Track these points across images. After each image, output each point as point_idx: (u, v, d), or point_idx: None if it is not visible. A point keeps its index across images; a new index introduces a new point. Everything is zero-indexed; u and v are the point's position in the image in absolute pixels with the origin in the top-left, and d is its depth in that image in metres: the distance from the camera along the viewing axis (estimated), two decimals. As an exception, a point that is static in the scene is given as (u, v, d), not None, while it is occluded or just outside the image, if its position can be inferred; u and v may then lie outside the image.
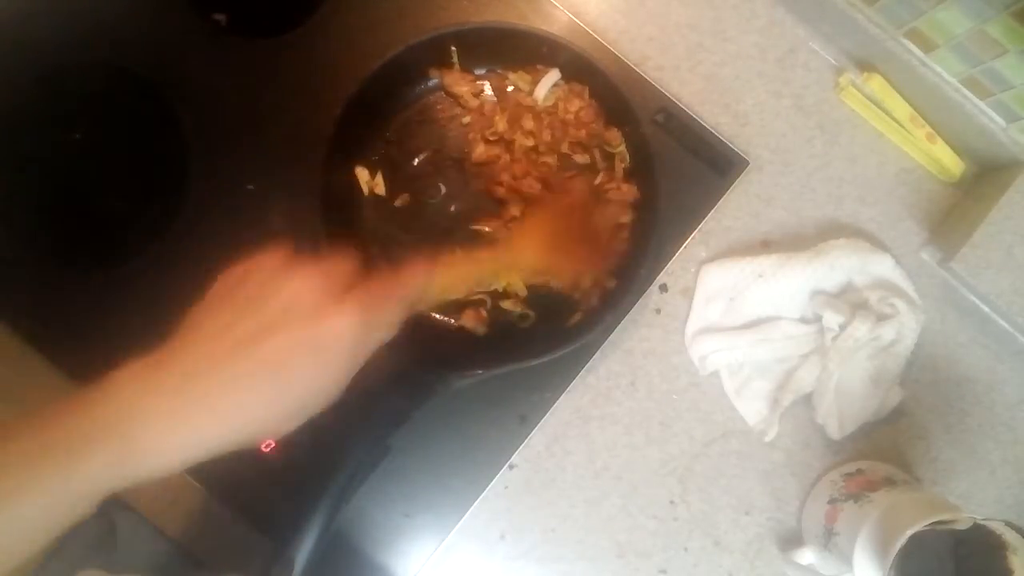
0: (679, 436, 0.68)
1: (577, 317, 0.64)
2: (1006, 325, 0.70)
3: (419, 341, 0.61)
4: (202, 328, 0.41)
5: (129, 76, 0.68)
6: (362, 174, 0.66)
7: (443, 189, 0.68)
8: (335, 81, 0.63)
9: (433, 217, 0.67)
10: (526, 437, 0.65)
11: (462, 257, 0.57)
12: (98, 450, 0.36)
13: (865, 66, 0.74)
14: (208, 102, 0.68)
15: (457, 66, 0.67)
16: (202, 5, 0.70)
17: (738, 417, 0.69)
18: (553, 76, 0.67)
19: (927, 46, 0.68)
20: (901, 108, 0.73)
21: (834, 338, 0.66)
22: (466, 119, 0.68)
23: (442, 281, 0.52)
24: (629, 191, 0.66)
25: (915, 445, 0.70)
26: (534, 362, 0.60)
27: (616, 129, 0.67)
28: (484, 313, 0.65)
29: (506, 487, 0.66)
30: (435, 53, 0.66)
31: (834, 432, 0.67)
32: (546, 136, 0.67)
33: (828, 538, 0.62)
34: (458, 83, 0.67)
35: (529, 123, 0.67)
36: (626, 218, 0.66)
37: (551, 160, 0.67)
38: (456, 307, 0.65)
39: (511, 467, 0.66)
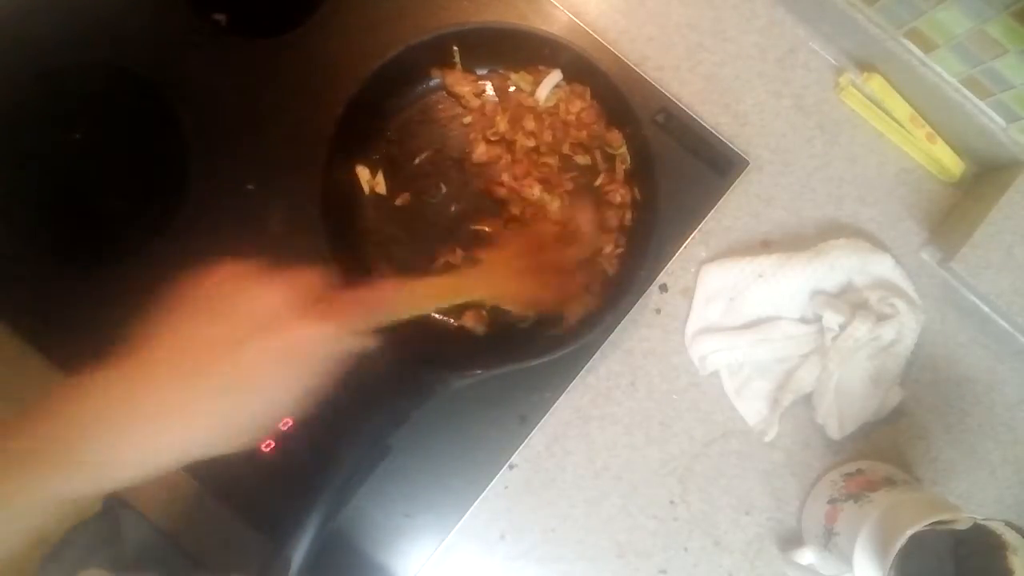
0: (679, 436, 0.68)
1: (562, 327, 0.64)
2: (1006, 325, 0.70)
3: (419, 341, 0.62)
4: (167, 337, 0.41)
5: (129, 76, 0.68)
6: (363, 173, 0.66)
7: (444, 189, 0.68)
8: (335, 81, 0.63)
9: (433, 217, 0.67)
10: (526, 437, 0.65)
11: (430, 281, 0.58)
12: (60, 463, 0.36)
13: (865, 66, 0.74)
14: (208, 102, 0.68)
15: (459, 66, 0.67)
16: (202, 5, 0.70)
17: (738, 417, 0.69)
18: (555, 77, 0.67)
19: (927, 46, 0.68)
20: (901, 108, 0.73)
21: (834, 338, 0.66)
22: (467, 119, 0.68)
23: (409, 299, 0.52)
24: (626, 193, 0.67)
25: (915, 445, 0.70)
26: (534, 362, 0.60)
27: (617, 130, 0.67)
28: (484, 313, 0.65)
29: (506, 487, 0.66)
30: (437, 53, 0.66)
31: (834, 432, 0.67)
32: (547, 137, 0.67)
33: (828, 538, 0.62)
34: (460, 83, 0.67)
35: (530, 124, 0.67)
36: (609, 247, 0.66)
37: (552, 161, 0.67)
38: (456, 307, 0.65)
39: (511, 467, 0.66)
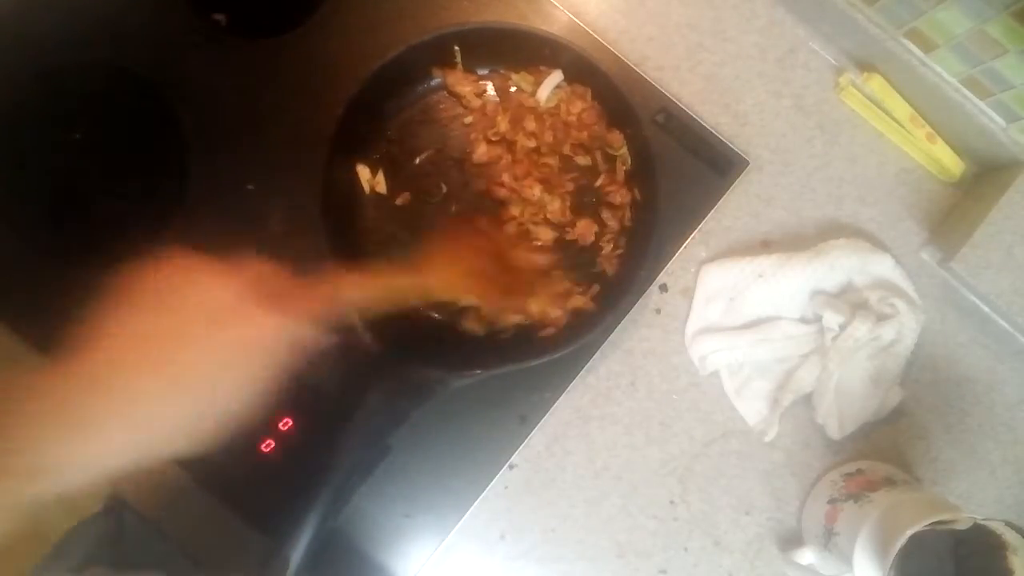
0: (679, 436, 0.68)
1: (547, 332, 0.64)
2: (1006, 325, 0.70)
3: (419, 341, 0.62)
4: (112, 336, 0.39)
5: (129, 76, 0.68)
6: (363, 172, 0.66)
7: (444, 188, 0.68)
8: (335, 81, 0.63)
9: (433, 216, 0.67)
10: (526, 437, 0.65)
11: (382, 272, 0.57)
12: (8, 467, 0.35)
13: (865, 66, 0.74)
14: (208, 102, 0.68)
15: (460, 66, 0.67)
16: (202, 5, 0.70)
17: (738, 417, 0.69)
18: (556, 77, 0.67)
19: (927, 46, 0.68)
20: (901, 108, 0.73)
21: (834, 338, 0.66)
22: (468, 119, 0.68)
23: (363, 293, 0.52)
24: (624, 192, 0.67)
25: (915, 445, 0.70)
26: (534, 362, 0.60)
27: (618, 131, 0.67)
28: (484, 314, 0.65)
29: (506, 487, 0.66)
30: (438, 53, 0.66)
31: (834, 432, 0.67)
32: (548, 137, 0.67)
33: (828, 538, 0.62)
34: (461, 83, 0.67)
35: (531, 124, 0.67)
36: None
37: (552, 161, 0.67)
38: (456, 308, 0.65)
39: (511, 467, 0.66)
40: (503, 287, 0.60)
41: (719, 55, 0.74)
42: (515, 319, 0.64)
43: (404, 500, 0.64)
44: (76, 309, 0.38)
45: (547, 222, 0.67)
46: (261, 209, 0.66)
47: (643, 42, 0.73)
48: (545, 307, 0.64)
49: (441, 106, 0.69)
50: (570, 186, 0.67)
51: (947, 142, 0.73)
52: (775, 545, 0.67)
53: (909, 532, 0.52)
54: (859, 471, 0.66)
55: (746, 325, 0.69)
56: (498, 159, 0.67)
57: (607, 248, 0.67)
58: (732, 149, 0.71)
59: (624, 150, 0.67)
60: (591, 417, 0.68)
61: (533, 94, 0.68)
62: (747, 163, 0.71)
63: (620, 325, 0.67)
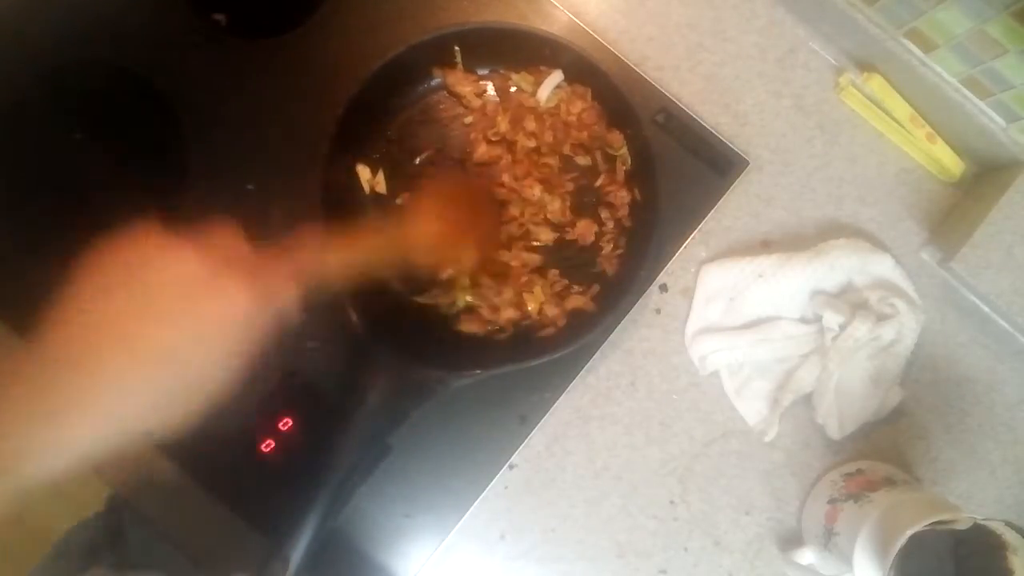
0: (679, 436, 0.68)
1: (546, 332, 0.65)
2: (1006, 325, 0.70)
3: (419, 341, 0.62)
4: (74, 317, 0.38)
5: (129, 76, 0.68)
6: (363, 172, 0.66)
7: (443, 189, 0.68)
8: (335, 81, 0.63)
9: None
10: (526, 437, 0.65)
11: (354, 231, 0.55)
12: None
13: (865, 66, 0.74)
14: (208, 102, 0.68)
15: (460, 66, 0.67)
16: (202, 5, 0.70)
17: (738, 417, 0.69)
18: (556, 77, 0.67)
19: (927, 46, 0.68)
20: (901, 108, 0.73)
21: (834, 338, 0.66)
22: (468, 119, 0.68)
23: (337, 254, 0.50)
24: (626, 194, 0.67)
25: (915, 445, 0.70)
26: (534, 362, 0.60)
27: (618, 132, 0.67)
28: (483, 314, 0.65)
29: (506, 487, 0.66)
30: (438, 53, 0.66)
31: (834, 432, 0.67)
32: (548, 137, 0.67)
33: (828, 538, 0.62)
34: (461, 83, 0.67)
35: (531, 124, 0.67)
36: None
37: (552, 161, 0.67)
38: (456, 308, 0.65)
39: (511, 467, 0.66)
40: (481, 241, 0.60)
41: (719, 55, 0.74)
42: (513, 316, 0.64)
43: (404, 500, 0.64)
44: (54, 292, 0.38)
45: (547, 222, 0.67)
46: (261, 209, 0.66)
47: (643, 42, 0.73)
48: (543, 305, 0.64)
49: (441, 106, 0.69)
50: (570, 186, 0.67)
51: (947, 142, 0.73)
52: (775, 545, 0.67)
53: (909, 532, 0.52)
54: (859, 471, 0.66)
55: (746, 325, 0.69)
56: (498, 159, 0.67)
57: (607, 248, 0.67)
58: (732, 149, 0.71)
59: (624, 150, 0.67)
60: (591, 417, 0.68)
61: (533, 94, 0.68)
62: (747, 163, 0.71)
63: (620, 325, 0.67)
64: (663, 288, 0.70)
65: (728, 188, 0.70)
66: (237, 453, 0.62)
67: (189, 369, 0.39)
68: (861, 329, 0.65)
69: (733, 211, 0.72)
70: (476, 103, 0.68)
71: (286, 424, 0.62)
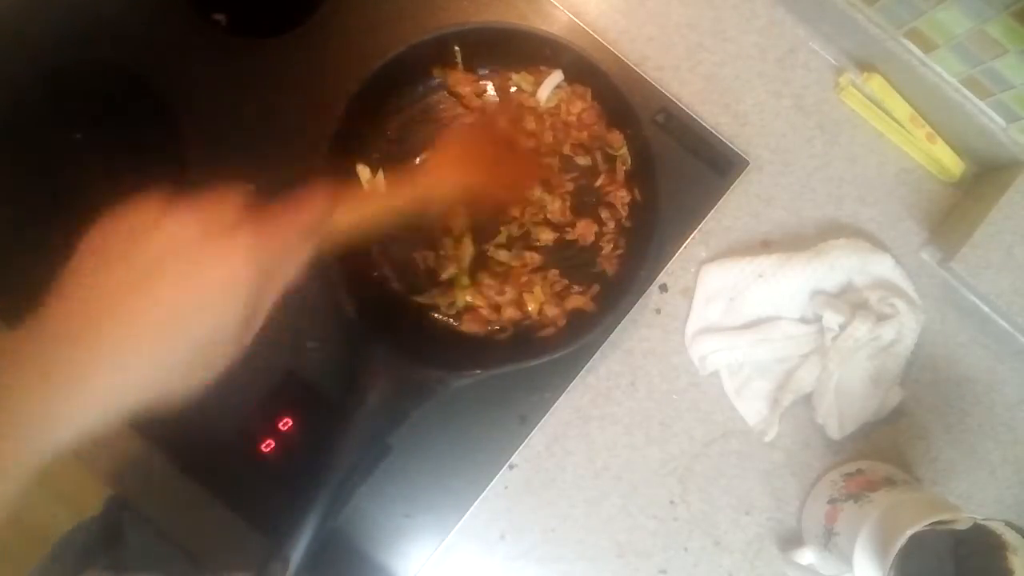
0: (679, 436, 0.68)
1: (546, 332, 0.65)
2: (1006, 325, 0.70)
3: (419, 341, 0.62)
4: (74, 292, 0.38)
5: (129, 76, 0.68)
6: (363, 172, 0.66)
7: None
8: (335, 81, 0.63)
9: (434, 216, 0.67)
10: (526, 437, 0.65)
11: (368, 187, 0.53)
12: None
13: (865, 66, 0.74)
14: (208, 102, 0.68)
15: (460, 66, 0.67)
16: (202, 5, 0.70)
17: (738, 417, 0.69)
18: (556, 77, 0.67)
19: (927, 46, 0.68)
20: (901, 108, 0.73)
21: (834, 338, 0.66)
22: (468, 119, 0.68)
23: (346, 214, 0.48)
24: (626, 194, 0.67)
25: (915, 445, 0.70)
26: (534, 362, 0.60)
27: (618, 132, 0.67)
28: (483, 314, 0.65)
29: (506, 487, 0.66)
30: (438, 53, 0.66)
31: (834, 432, 0.67)
32: (548, 137, 0.67)
33: (828, 538, 0.62)
34: (461, 83, 0.67)
35: (531, 124, 0.67)
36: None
37: (552, 162, 0.67)
38: (456, 308, 0.65)
39: (511, 467, 0.66)
40: (503, 182, 0.58)
41: (719, 55, 0.74)
42: (513, 316, 0.64)
43: (404, 500, 0.64)
44: (54, 274, 0.38)
45: (547, 222, 0.67)
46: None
47: (643, 42, 0.73)
48: (543, 305, 0.64)
49: (441, 106, 0.69)
50: (570, 186, 0.67)
51: (947, 142, 0.73)
52: (775, 545, 0.67)
53: (909, 532, 0.52)
54: (859, 471, 0.66)
55: (746, 325, 0.69)
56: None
57: (607, 248, 0.67)
58: (732, 149, 0.71)
59: (624, 150, 0.67)
60: (591, 417, 0.68)
61: (533, 94, 0.68)
62: (747, 163, 0.71)
63: (620, 325, 0.67)
64: (663, 288, 0.70)
65: (728, 188, 0.70)
66: (237, 453, 0.62)
67: (193, 339, 0.38)
68: (861, 329, 0.65)
69: (733, 211, 0.72)
70: (476, 103, 0.68)
71: (286, 424, 0.62)
